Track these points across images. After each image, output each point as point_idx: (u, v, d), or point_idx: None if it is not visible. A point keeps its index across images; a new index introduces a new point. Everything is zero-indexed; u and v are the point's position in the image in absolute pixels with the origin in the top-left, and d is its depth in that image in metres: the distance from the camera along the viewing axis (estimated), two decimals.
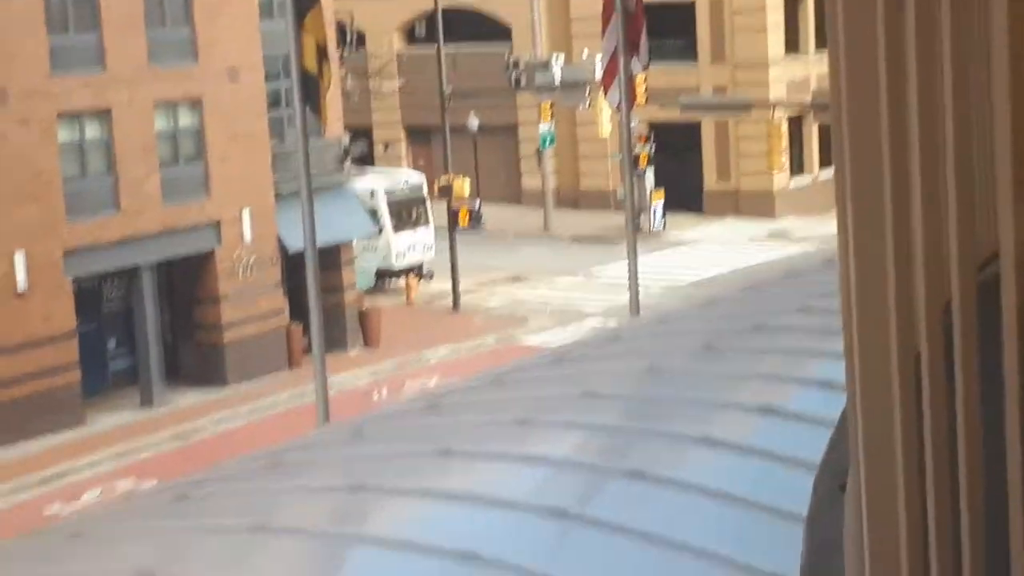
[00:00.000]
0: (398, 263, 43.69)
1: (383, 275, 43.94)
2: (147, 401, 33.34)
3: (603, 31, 23.51)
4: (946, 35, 2.80)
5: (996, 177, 2.80)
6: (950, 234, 2.89)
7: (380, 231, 42.18)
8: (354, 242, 39.73)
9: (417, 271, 44.22)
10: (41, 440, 30.70)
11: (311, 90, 19.36)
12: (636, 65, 23.53)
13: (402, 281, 43.86)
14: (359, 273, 40.51)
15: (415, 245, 44.09)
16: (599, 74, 41.31)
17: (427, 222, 44.56)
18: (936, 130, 2.87)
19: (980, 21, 3.01)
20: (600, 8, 24.05)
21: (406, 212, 44.20)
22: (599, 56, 41.70)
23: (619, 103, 23.54)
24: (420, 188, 44.85)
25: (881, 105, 3.02)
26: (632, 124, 26.64)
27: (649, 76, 44.82)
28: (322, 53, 19.45)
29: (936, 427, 3.09)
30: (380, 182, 43.95)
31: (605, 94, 24.55)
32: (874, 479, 3.43)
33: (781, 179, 52.14)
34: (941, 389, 3.04)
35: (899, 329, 3.15)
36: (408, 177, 46.10)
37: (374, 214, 41.66)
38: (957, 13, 2.78)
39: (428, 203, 44.69)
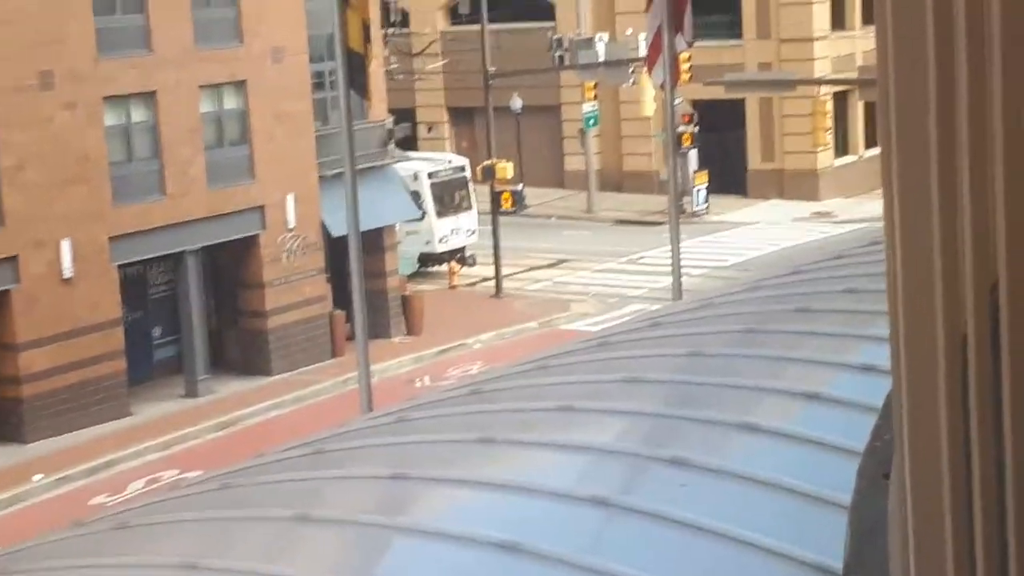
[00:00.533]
0: (441, 247, 43.60)
1: (426, 260, 43.84)
2: (192, 390, 33.46)
3: (647, 7, 23.34)
4: (996, 11, 2.69)
5: None
6: (998, 214, 2.79)
7: (423, 215, 42.08)
8: (397, 227, 39.73)
9: (460, 256, 44.16)
10: (86, 430, 30.87)
11: (356, 70, 19.28)
12: (680, 42, 23.36)
13: (445, 266, 43.82)
14: (402, 258, 40.49)
15: (458, 229, 43.99)
16: (643, 52, 41.18)
17: (470, 206, 44.49)
18: (985, 109, 2.76)
19: None
20: None
21: (449, 196, 44.09)
22: (643, 34, 41.59)
23: (663, 81, 23.38)
24: (463, 171, 44.74)
25: (929, 82, 2.91)
26: (676, 103, 26.47)
27: (693, 54, 44.60)
28: (367, 32, 19.39)
29: (982, 412, 2.98)
30: (423, 165, 43.85)
31: (650, 72, 24.41)
32: (919, 466, 3.32)
33: (826, 158, 51.79)
34: (987, 372, 2.93)
35: (945, 311, 3.05)
36: (451, 160, 46.00)
37: (417, 197, 41.63)
38: None
39: (471, 187, 44.60)
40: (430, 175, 43.50)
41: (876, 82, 3.35)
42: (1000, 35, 2.72)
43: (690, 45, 24.16)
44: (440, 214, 43.41)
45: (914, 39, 2.97)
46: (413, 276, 42.72)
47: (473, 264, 44.01)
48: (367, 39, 19.50)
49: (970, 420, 3.06)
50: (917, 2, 2.99)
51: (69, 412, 30.85)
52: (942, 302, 3.11)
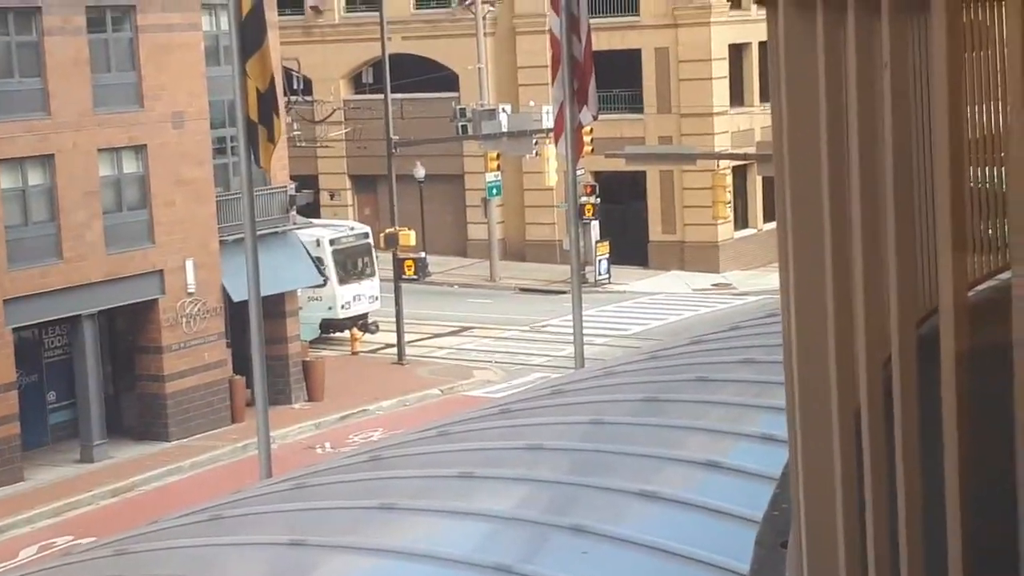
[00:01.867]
0: (343, 314, 43.46)
1: (328, 326, 43.66)
2: (87, 455, 32.92)
3: (551, 79, 23.59)
4: (887, 94, 2.79)
5: (936, 232, 2.79)
6: (890, 289, 2.88)
7: (325, 282, 42.05)
8: (299, 292, 39.56)
9: (363, 322, 44.08)
10: None
11: (252, 137, 19.27)
12: (587, 115, 23.59)
13: (348, 332, 43.66)
14: (304, 324, 40.31)
15: (361, 296, 43.90)
16: (547, 123, 41.49)
17: (373, 273, 44.45)
18: (877, 185, 2.86)
19: (921, 82, 3.01)
20: (547, 58, 24.12)
21: (352, 263, 44.09)
22: (546, 107, 41.98)
23: (567, 152, 23.60)
24: (366, 238, 44.78)
25: (822, 157, 3.01)
26: (578, 174, 26.71)
27: (595, 126, 45.09)
28: (268, 100, 19.37)
29: (876, 481, 3.06)
30: (325, 232, 43.86)
31: (556, 143, 24.59)
32: (815, 535, 3.39)
33: (725, 230, 52.47)
34: (881, 444, 3.01)
35: (840, 383, 3.13)
36: (353, 227, 46.06)
37: (319, 264, 41.57)
38: (898, 74, 2.77)
39: (374, 253, 44.63)
40: (332, 241, 43.49)
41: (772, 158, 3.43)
42: (891, 114, 2.82)
43: (595, 118, 24.39)
44: (342, 280, 43.36)
45: (807, 116, 3.07)
46: (315, 342, 42.52)
47: (376, 331, 43.95)
48: (272, 107, 19.51)
49: (864, 490, 3.13)
50: (810, 82, 3.09)
51: None
52: (836, 375, 3.19)
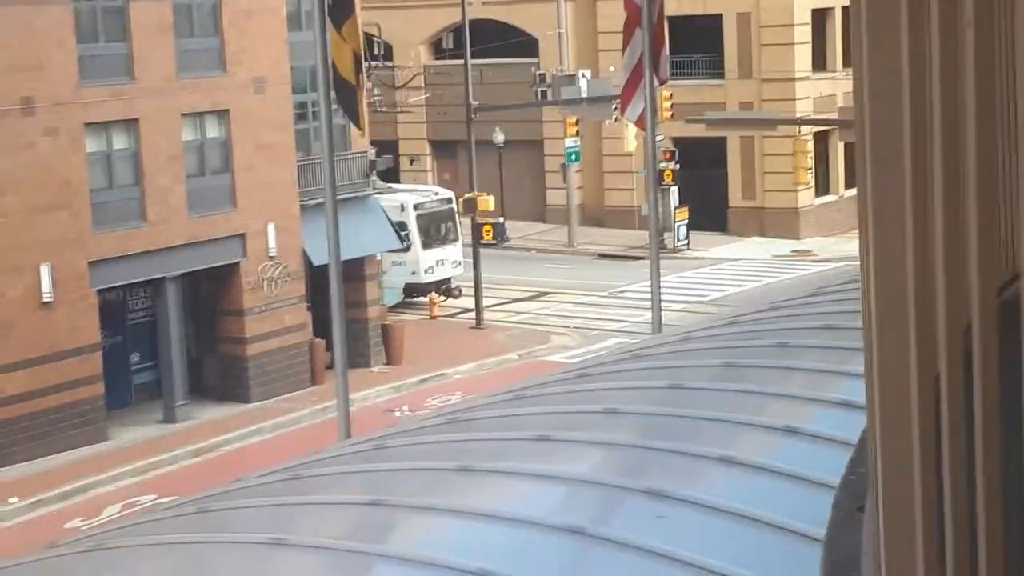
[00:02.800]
0: (427, 278, 43.49)
1: (411, 291, 43.75)
2: (170, 416, 33.39)
3: (623, 46, 23.46)
4: (969, 57, 2.77)
5: (1018, 199, 2.77)
6: (971, 256, 2.86)
7: (409, 246, 42.05)
8: (381, 257, 39.78)
9: (445, 287, 44.19)
10: (63, 454, 30.78)
11: (350, 99, 19.41)
12: (654, 81, 23.45)
13: (430, 297, 43.79)
14: (387, 288, 40.50)
15: (444, 261, 43.98)
16: None
17: (456, 238, 44.53)
18: (958, 152, 2.84)
19: (1004, 43, 2.98)
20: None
21: (435, 227, 44.15)
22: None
23: (638, 118, 23.47)
24: (450, 203, 44.75)
25: (904, 125, 2.99)
26: (658, 140, 26.59)
27: (675, 92, 44.80)
28: (358, 63, 19.55)
29: (954, 448, 3.05)
30: (410, 197, 43.90)
31: (623, 111, 24.47)
32: (892, 500, 3.39)
33: (806, 197, 52.03)
34: (960, 411, 3.01)
35: (919, 351, 3.12)
36: (437, 192, 46.05)
37: (403, 228, 41.62)
38: (980, 34, 2.75)
39: (457, 219, 44.66)
40: (416, 206, 43.53)
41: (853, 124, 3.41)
42: (974, 79, 2.81)
43: (663, 83, 24.23)
44: (426, 245, 43.41)
45: (890, 82, 3.06)
46: (397, 307, 42.72)
47: (458, 296, 44.07)
48: (359, 70, 19.63)
49: (942, 457, 3.13)
50: (892, 46, 3.08)
51: (45, 436, 30.75)
52: (916, 342, 3.18)
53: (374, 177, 39.05)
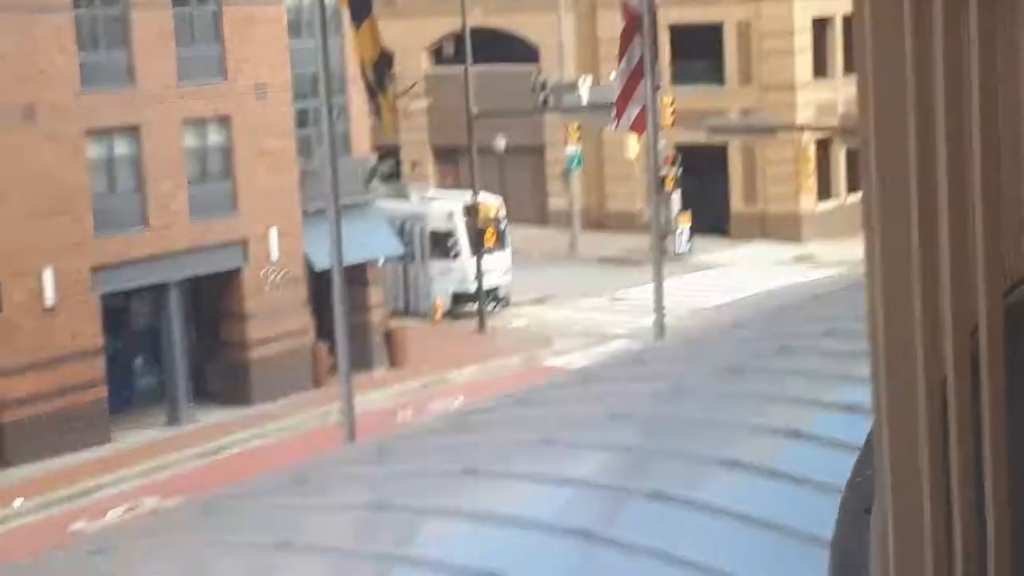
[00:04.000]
0: (475, 287, 42.45)
1: (460, 299, 42.67)
2: (173, 419, 33.45)
3: (620, 54, 23.51)
4: (974, 61, 2.82)
5: (1022, 201, 2.82)
6: (977, 259, 2.91)
7: (458, 254, 41.40)
8: (431, 264, 39.97)
9: (494, 295, 43.07)
10: (67, 456, 30.83)
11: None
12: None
13: (484, 306, 43.27)
14: (436, 297, 40.17)
15: (493, 268, 43.00)
16: None
17: (504, 245, 43.63)
18: (964, 155, 2.89)
19: (1008, 47, 3.03)
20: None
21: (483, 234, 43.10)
22: None
23: (631, 125, 23.51)
24: (498, 211, 43.97)
25: (909, 130, 3.04)
26: (659, 146, 26.63)
27: (676, 98, 44.86)
28: (382, 66, 19.70)
29: (962, 452, 3.09)
30: (457, 204, 42.96)
31: (619, 119, 24.46)
32: (900, 502, 3.43)
33: (808, 202, 52.05)
34: (967, 414, 3.05)
35: (925, 354, 3.16)
36: (486, 199, 44.71)
37: (451, 236, 41.01)
38: (985, 39, 2.80)
39: (505, 226, 43.91)
40: (464, 212, 42.62)
41: (857, 130, 3.46)
42: (979, 83, 2.86)
43: (658, 89, 24.26)
44: (474, 253, 42.42)
45: (894, 86, 3.11)
46: (446, 315, 42.48)
47: (507, 304, 43.52)
48: (387, 70, 19.79)
49: (950, 460, 3.17)
50: (897, 51, 3.13)
51: (50, 438, 30.80)
52: (922, 345, 3.23)
53: (376, 182, 39.05)
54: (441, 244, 42.42)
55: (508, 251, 43.72)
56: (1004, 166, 3.13)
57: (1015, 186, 3.04)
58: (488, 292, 42.56)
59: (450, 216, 41.91)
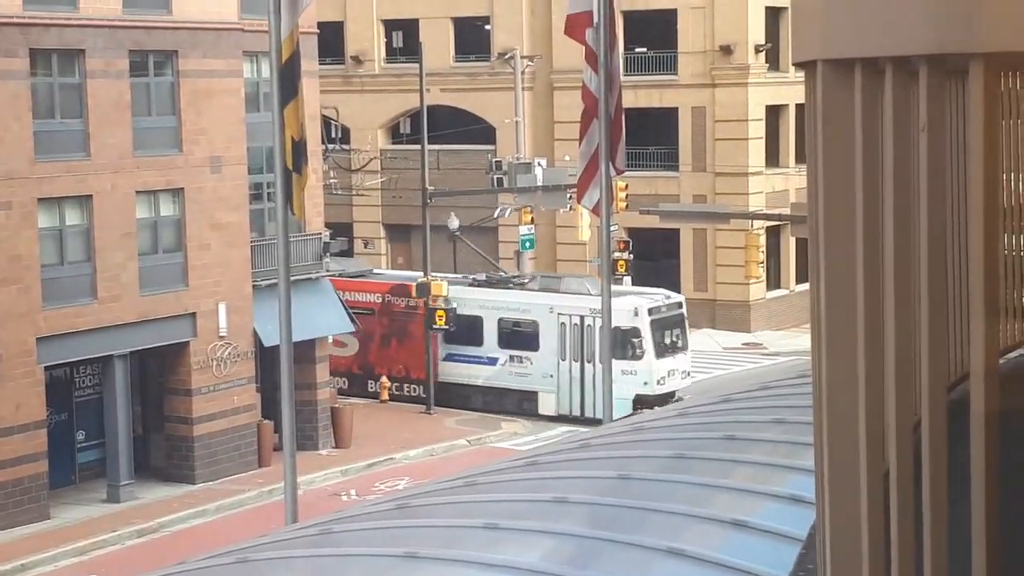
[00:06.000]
0: (659, 390, 39.26)
1: (641, 403, 37.76)
2: (114, 496, 33.01)
3: (580, 135, 23.67)
4: (923, 159, 2.81)
5: (970, 297, 2.80)
6: (922, 354, 2.89)
7: (642, 354, 38.67)
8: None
9: (673, 400, 37.82)
10: (4, 532, 30.33)
11: (288, 185, 19.45)
12: (611, 171, 23.67)
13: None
14: (616, 399, 36.17)
15: (675, 371, 40.03)
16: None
17: (686, 346, 40.78)
18: (911, 250, 2.88)
19: (957, 148, 3.03)
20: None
21: (667, 334, 40.15)
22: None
23: (595, 206, 23.64)
24: (680, 308, 41.10)
25: (856, 220, 3.03)
26: (612, 230, 26.76)
27: (629, 183, 45.14)
28: (299, 149, 19.56)
29: (903, 545, 3.06)
30: (642, 300, 39.96)
31: (579, 200, 24.64)
32: None
33: (758, 290, 52.38)
34: (909, 507, 3.01)
35: (869, 446, 3.13)
36: (669, 295, 41.77)
37: (635, 335, 38.55)
38: (934, 139, 2.80)
39: (687, 324, 41.34)
40: (651, 311, 39.63)
41: (807, 219, 3.44)
42: (927, 180, 2.84)
43: (620, 173, 24.45)
44: (659, 354, 39.39)
45: (843, 180, 3.09)
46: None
47: None
48: (302, 157, 19.67)
49: (891, 554, 3.12)
50: (847, 145, 3.12)
51: None
52: (866, 437, 3.19)
53: (327, 259, 38.92)
54: (624, 343, 38.57)
55: (689, 352, 40.88)
56: (951, 261, 3.11)
57: (959, 285, 3.02)
58: (667, 396, 38.67)
59: (635, 313, 38.77)
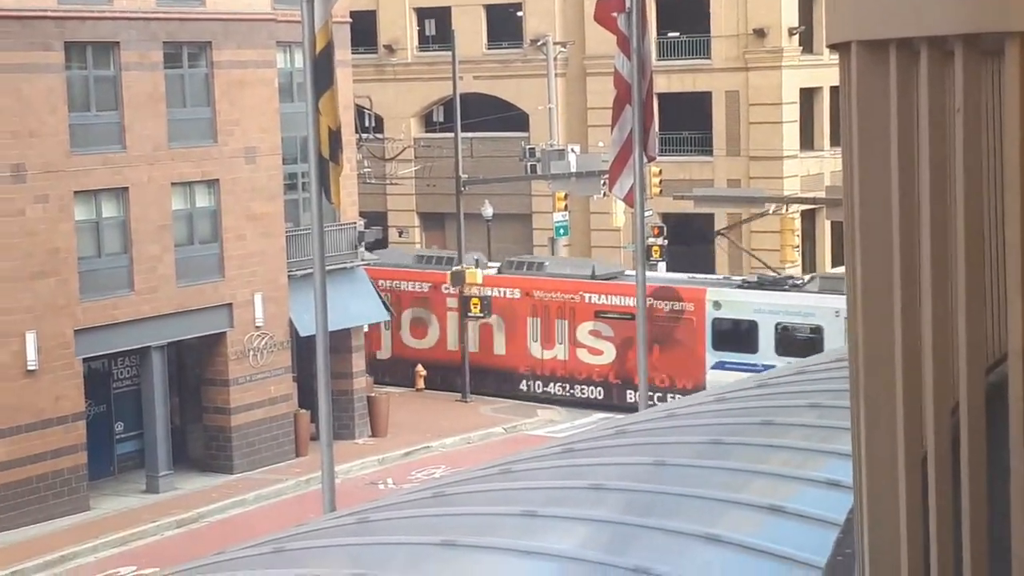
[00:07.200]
0: None
1: None
2: (153, 486, 33.21)
3: (612, 122, 23.60)
4: (959, 140, 2.78)
5: (1007, 278, 2.78)
6: (959, 336, 2.86)
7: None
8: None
9: None
10: (45, 524, 30.55)
11: (324, 175, 19.45)
12: (643, 156, 23.59)
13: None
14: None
15: None
16: None
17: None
18: (947, 232, 2.85)
19: (992, 126, 3.00)
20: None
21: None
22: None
23: (627, 194, 23.57)
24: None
25: (893, 202, 3.00)
26: (646, 215, 26.68)
27: (663, 168, 45.04)
28: (335, 138, 19.55)
29: (942, 529, 3.04)
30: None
31: (611, 187, 24.57)
32: None
33: (793, 274, 52.10)
34: (948, 491, 2.99)
35: (907, 430, 3.11)
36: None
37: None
38: (970, 110, 2.77)
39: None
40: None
41: (842, 202, 3.41)
42: (963, 161, 2.82)
43: (652, 160, 24.35)
44: None
45: (879, 162, 3.07)
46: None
47: None
48: (339, 147, 19.66)
49: (930, 537, 3.10)
50: (882, 127, 3.09)
51: (27, 505, 30.53)
52: (903, 422, 3.17)
53: (362, 248, 38.96)
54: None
55: None
56: (988, 242, 3.08)
57: (997, 265, 2.99)
58: None
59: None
